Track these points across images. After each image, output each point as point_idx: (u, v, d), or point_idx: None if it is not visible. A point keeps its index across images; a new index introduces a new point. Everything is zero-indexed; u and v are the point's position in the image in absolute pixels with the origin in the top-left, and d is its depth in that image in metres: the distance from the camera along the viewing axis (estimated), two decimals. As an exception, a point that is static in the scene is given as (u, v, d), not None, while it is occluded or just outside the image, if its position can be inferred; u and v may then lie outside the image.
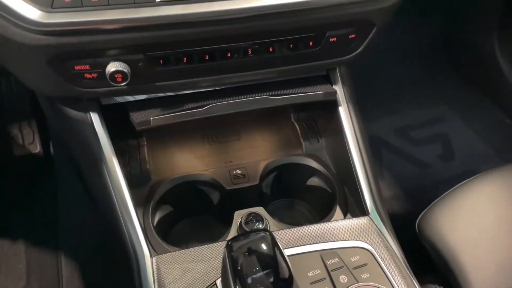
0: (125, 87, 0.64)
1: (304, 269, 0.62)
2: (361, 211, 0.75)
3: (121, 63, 0.62)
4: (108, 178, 0.70)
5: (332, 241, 0.66)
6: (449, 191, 0.90)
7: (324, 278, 0.62)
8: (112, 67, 0.61)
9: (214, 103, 0.73)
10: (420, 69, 1.70)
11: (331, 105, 0.81)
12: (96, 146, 0.71)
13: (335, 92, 0.79)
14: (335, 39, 0.68)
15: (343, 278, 0.62)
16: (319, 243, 0.66)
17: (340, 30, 0.68)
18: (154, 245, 0.71)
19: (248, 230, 0.71)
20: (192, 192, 0.84)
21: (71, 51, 0.59)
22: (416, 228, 0.88)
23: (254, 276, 0.49)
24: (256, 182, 0.83)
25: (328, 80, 0.81)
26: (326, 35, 0.68)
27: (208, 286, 0.61)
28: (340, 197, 0.80)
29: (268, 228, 0.72)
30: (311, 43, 0.68)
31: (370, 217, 0.72)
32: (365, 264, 0.64)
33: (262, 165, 0.85)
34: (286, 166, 0.87)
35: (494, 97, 1.58)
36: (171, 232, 0.86)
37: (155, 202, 0.79)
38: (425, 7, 1.62)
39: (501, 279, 0.79)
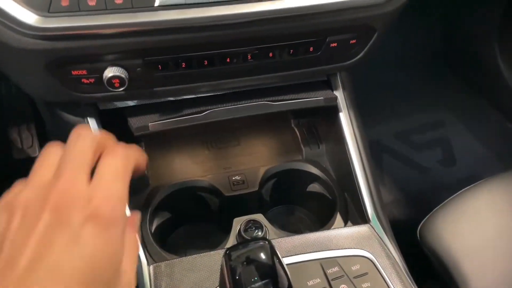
0: (122, 92, 0.63)
1: (304, 278, 0.61)
2: (362, 218, 0.74)
3: (118, 68, 0.61)
4: (105, 185, 0.69)
5: (332, 249, 0.65)
6: (450, 197, 0.90)
7: (324, 288, 0.61)
8: (109, 72, 0.60)
9: (213, 108, 0.73)
10: (421, 74, 1.69)
11: (332, 110, 0.81)
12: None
13: (335, 98, 0.78)
14: (335, 44, 0.68)
15: (343, 288, 0.61)
16: (319, 251, 0.65)
17: (341, 35, 0.67)
18: (152, 253, 0.70)
19: (247, 237, 0.70)
20: (190, 199, 0.83)
21: (68, 56, 0.59)
22: (418, 235, 0.87)
23: (253, 286, 0.48)
24: (256, 189, 0.83)
25: (328, 85, 0.80)
26: (327, 40, 0.67)
27: (206, 295, 0.60)
28: (341, 204, 0.80)
29: (267, 236, 0.71)
30: (311, 48, 0.68)
31: (371, 225, 0.71)
32: (366, 273, 0.63)
33: (261, 171, 0.84)
34: (286, 172, 0.86)
35: (495, 102, 1.57)
36: (169, 239, 0.85)
37: (153, 208, 0.78)
38: (425, 12, 1.62)
39: (503, 287, 0.78)
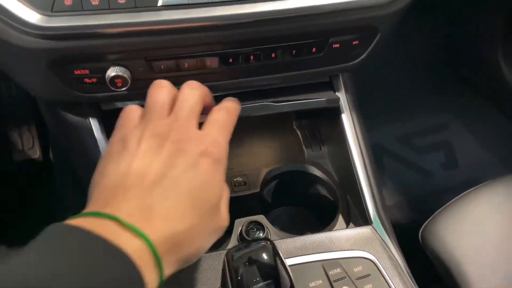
0: (125, 92, 0.63)
1: (306, 279, 0.61)
2: (364, 220, 0.74)
3: (121, 67, 0.61)
4: (106, 185, 0.69)
5: (334, 251, 0.65)
6: (452, 200, 0.89)
7: (326, 289, 0.61)
8: (112, 71, 0.60)
9: None
10: (424, 77, 1.69)
11: (334, 112, 0.80)
12: (95, 152, 0.70)
13: (338, 99, 0.78)
14: (338, 45, 0.68)
15: (345, 289, 0.61)
16: (321, 252, 0.65)
17: (343, 36, 0.67)
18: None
19: (248, 238, 0.70)
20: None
21: (71, 55, 0.58)
22: (420, 237, 0.87)
23: (255, 286, 0.48)
24: (257, 190, 0.82)
25: (331, 86, 0.80)
26: (329, 41, 0.67)
27: (208, 296, 0.60)
28: (343, 205, 0.79)
29: (269, 237, 0.71)
30: (314, 49, 0.68)
31: (373, 227, 0.71)
32: (368, 275, 0.63)
33: (263, 173, 0.84)
34: (287, 173, 0.85)
35: (498, 105, 1.57)
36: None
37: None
38: (429, 15, 1.62)
39: (506, 290, 0.78)
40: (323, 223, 0.81)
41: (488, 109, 1.58)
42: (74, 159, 0.80)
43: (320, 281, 0.61)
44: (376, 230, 0.70)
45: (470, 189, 0.90)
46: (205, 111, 0.52)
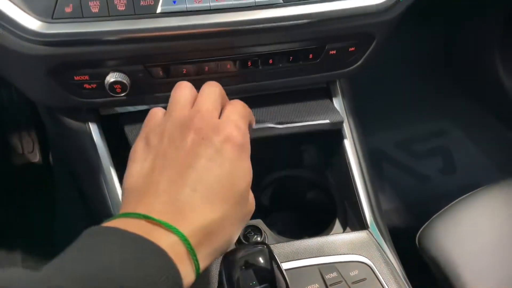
0: (124, 97, 0.64)
1: (302, 283, 0.61)
2: (361, 224, 0.74)
3: (120, 73, 0.61)
4: (106, 190, 0.70)
5: (331, 255, 0.65)
6: (449, 205, 0.90)
7: (322, 293, 0.61)
8: (111, 77, 0.61)
9: None
10: (422, 83, 1.70)
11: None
12: (94, 157, 0.71)
13: (342, 122, 0.77)
14: (334, 52, 0.68)
15: (341, 293, 0.61)
16: (317, 256, 0.65)
17: (339, 43, 0.68)
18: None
19: (246, 242, 0.70)
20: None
21: (71, 62, 0.59)
22: (417, 242, 0.87)
23: (251, 290, 0.49)
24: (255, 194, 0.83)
25: (327, 93, 0.81)
26: (326, 48, 0.68)
27: (205, 300, 0.61)
28: (340, 210, 0.80)
29: (267, 241, 0.71)
30: (311, 56, 0.68)
31: (369, 231, 0.71)
32: (364, 279, 0.63)
33: (261, 177, 0.85)
34: (285, 178, 0.86)
35: (496, 111, 1.58)
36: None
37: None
38: (427, 21, 1.63)
39: (503, 294, 0.78)
40: (320, 227, 0.81)
41: (485, 115, 1.59)
42: (73, 164, 0.81)
43: (317, 285, 0.61)
44: (372, 235, 0.70)
45: (467, 194, 0.90)
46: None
